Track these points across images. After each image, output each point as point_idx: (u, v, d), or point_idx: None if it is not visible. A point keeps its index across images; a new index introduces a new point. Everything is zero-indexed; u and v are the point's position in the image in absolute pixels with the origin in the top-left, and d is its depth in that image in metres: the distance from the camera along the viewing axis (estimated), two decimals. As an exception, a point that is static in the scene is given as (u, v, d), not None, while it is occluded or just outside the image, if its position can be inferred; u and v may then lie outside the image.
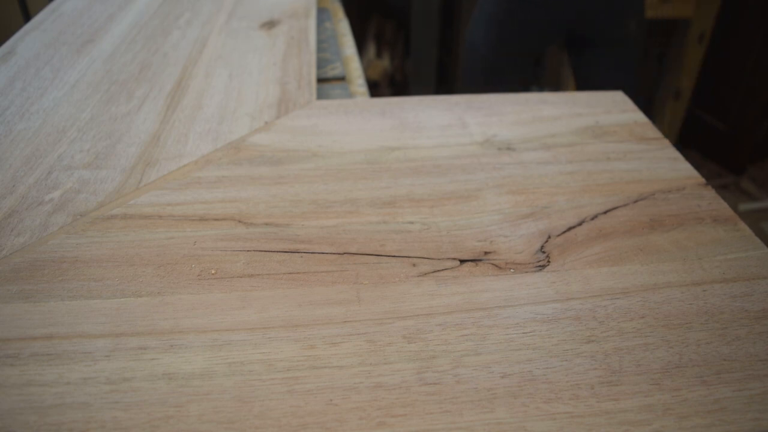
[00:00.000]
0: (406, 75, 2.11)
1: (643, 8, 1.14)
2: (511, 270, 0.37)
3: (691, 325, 0.33)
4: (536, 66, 1.73)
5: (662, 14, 1.60)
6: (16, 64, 0.60)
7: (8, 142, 0.48)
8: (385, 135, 0.50)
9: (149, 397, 0.28)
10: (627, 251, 0.38)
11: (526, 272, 0.37)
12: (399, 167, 0.46)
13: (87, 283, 0.34)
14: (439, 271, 0.36)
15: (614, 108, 0.55)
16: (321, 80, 0.67)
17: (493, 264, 0.37)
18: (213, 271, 0.36)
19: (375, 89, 1.99)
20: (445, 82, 2.06)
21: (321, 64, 0.70)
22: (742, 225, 0.41)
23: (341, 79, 0.67)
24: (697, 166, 0.57)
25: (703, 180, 0.46)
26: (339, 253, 0.38)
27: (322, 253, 0.38)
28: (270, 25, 0.73)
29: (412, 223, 0.40)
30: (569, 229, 0.40)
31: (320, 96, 0.61)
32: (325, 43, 0.76)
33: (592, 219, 0.41)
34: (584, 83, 1.23)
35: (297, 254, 0.37)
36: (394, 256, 0.37)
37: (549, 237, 0.39)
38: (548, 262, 0.37)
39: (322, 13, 0.86)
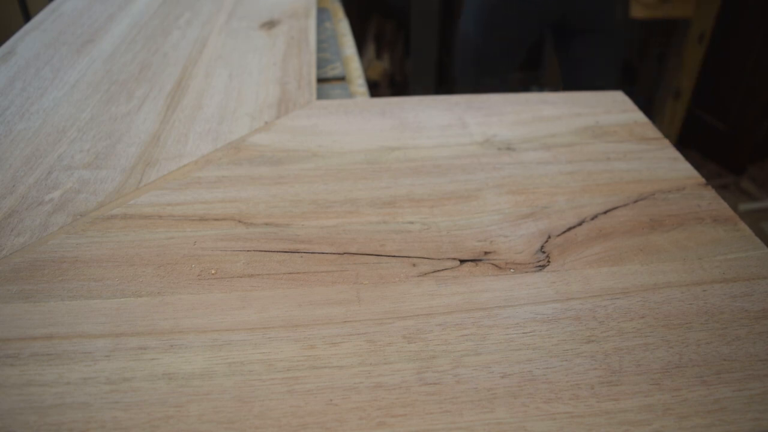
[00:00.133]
0: (406, 75, 2.11)
1: None
2: (511, 270, 0.37)
3: (691, 325, 0.33)
4: (530, 56, 1.73)
5: (662, 14, 1.60)
6: (16, 64, 0.60)
7: (8, 142, 0.48)
8: (385, 135, 0.50)
9: (149, 397, 0.28)
10: (627, 251, 0.38)
11: (526, 272, 0.37)
12: (399, 167, 0.46)
13: (87, 283, 0.34)
14: (439, 271, 0.36)
15: (614, 108, 0.55)
16: (321, 80, 0.67)
17: (493, 264, 0.37)
18: (213, 271, 0.36)
19: (375, 89, 1.99)
20: (445, 82, 2.06)
21: (321, 64, 0.70)
22: (742, 225, 0.41)
23: (341, 79, 0.67)
24: (697, 166, 0.57)
25: (703, 180, 0.46)
26: (339, 253, 0.38)
27: (322, 253, 0.38)
28: (270, 25, 0.73)
29: (412, 223, 0.40)
30: (569, 229, 0.40)
31: (320, 96, 0.61)
32: (325, 43, 0.76)
33: (592, 219, 0.41)
34: (571, 71, 1.24)
35: (297, 254, 0.37)
36: (394, 256, 0.37)
37: (549, 237, 0.39)
38: (548, 262, 0.37)
39: (322, 13, 0.86)
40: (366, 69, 1.93)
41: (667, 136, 0.74)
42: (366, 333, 0.32)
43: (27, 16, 1.00)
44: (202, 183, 0.43)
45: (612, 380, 0.29)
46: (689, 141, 1.94)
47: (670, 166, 0.47)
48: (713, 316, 0.33)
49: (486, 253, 0.38)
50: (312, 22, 0.73)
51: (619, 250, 0.38)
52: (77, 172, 0.44)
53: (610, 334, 0.32)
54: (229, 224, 0.40)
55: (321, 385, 0.29)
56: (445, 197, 0.43)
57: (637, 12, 1.57)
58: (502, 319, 0.33)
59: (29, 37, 0.66)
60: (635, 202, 0.43)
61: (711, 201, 0.43)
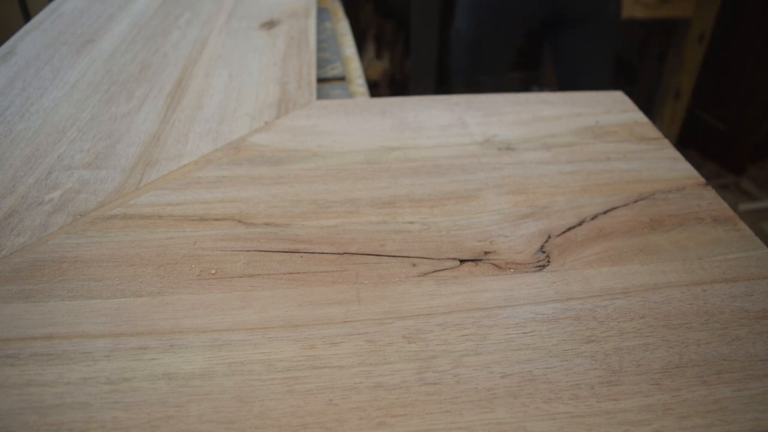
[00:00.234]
0: (406, 75, 2.11)
1: None
2: (511, 270, 0.37)
3: (691, 325, 0.33)
4: (526, 52, 1.73)
5: (662, 14, 1.60)
6: (16, 64, 0.60)
7: (8, 142, 0.48)
8: (385, 135, 0.50)
9: (149, 397, 0.28)
10: (627, 251, 0.38)
11: (526, 272, 0.37)
12: (399, 167, 0.46)
13: (87, 283, 0.34)
14: (439, 271, 0.36)
15: (614, 108, 0.55)
16: (321, 80, 0.67)
17: (493, 264, 0.37)
18: (213, 271, 0.36)
19: (375, 89, 1.99)
20: (445, 82, 2.06)
21: (321, 64, 0.70)
22: (742, 225, 0.41)
23: (341, 79, 0.67)
24: (697, 166, 0.57)
25: (703, 180, 0.46)
26: (339, 253, 0.38)
27: (322, 253, 0.38)
28: (270, 25, 0.73)
29: (412, 223, 0.40)
30: (569, 229, 0.40)
31: (320, 96, 0.61)
32: (325, 43, 0.76)
33: (592, 219, 0.41)
34: (564, 63, 1.25)
35: (297, 254, 0.37)
36: (394, 256, 0.37)
37: (549, 237, 0.39)
38: (548, 262, 0.37)
39: (322, 13, 0.86)
40: (366, 69, 1.93)
41: (667, 136, 0.74)
42: (366, 333, 0.32)
43: (27, 16, 1.00)
44: (202, 183, 0.43)
45: (612, 380, 0.29)
46: (689, 141, 1.94)
47: (670, 166, 0.47)
48: (713, 316, 0.33)
49: (486, 253, 0.38)
50: (312, 22, 0.73)
51: (619, 250, 0.38)
52: (77, 172, 0.44)
53: (610, 334, 0.32)
54: (229, 224, 0.40)
55: (321, 385, 0.29)
56: (445, 197, 0.43)
57: (637, 12, 1.57)
58: (502, 319, 0.33)
59: (29, 37, 0.66)
60: (635, 202, 0.43)
61: (711, 201, 0.43)
